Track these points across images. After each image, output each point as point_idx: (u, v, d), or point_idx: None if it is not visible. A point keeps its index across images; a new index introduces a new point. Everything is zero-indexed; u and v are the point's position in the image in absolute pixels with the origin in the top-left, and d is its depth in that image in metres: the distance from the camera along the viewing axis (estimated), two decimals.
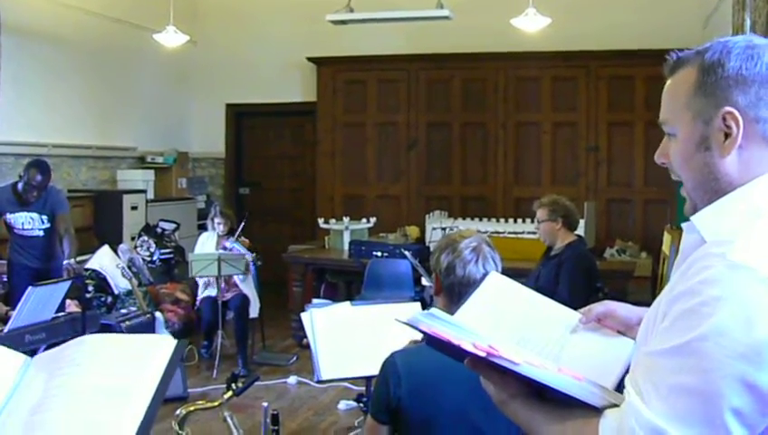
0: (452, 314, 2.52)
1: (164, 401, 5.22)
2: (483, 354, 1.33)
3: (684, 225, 1.40)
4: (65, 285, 5.38)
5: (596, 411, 1.32)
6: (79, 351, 1.77)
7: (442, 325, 1.37)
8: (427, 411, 2.48)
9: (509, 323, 1.63)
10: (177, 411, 2.85)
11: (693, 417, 1.16)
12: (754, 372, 1.14)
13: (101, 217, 8.49)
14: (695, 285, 1.20)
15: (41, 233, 6.31)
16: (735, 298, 1.16)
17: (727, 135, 1.32)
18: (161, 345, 1.75)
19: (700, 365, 1.16)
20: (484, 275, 2.53)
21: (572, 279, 5.05)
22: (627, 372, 1.45)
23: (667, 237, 7.72)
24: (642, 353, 1.29)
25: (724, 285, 1.17)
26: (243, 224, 7.02)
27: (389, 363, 2.54)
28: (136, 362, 1.73)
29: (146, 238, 8.28)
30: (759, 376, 1.14)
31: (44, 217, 6.31)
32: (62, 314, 5.49)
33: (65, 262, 6.26)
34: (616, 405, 1.30)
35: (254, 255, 6.94)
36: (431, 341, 1.43)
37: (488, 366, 1.40)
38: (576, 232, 5.47)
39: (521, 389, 1.41)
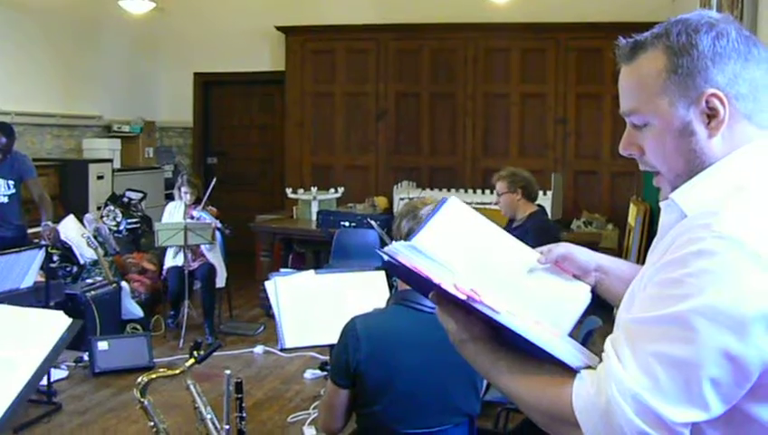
0: None
1: (130, 370, 5.21)
2: (463, 298, 1.30)
3: (662, 203, 1.37)
4: (34, 254, 5.31)
5: (567, 371, 1.29)
6: None
7: (423, 260, 1.34)
8: (386, 374, 2.50)
9: (467, 255, 1.54)
10: (139, 380, 2.85)
11: (672, 385, 1.16)
12: (738, 344, 1.14)
13: (67, 187, 8.41)
14: (682, 256, 1.19)
15: (5, 199, 6.24)
16: (723, 271, 1.15)
17: (710, 117, 1.29)
18: (54, 322, 1.73)
19: (684, 335, 1.15)
20: None
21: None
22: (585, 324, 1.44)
23: (632, 209, 7.79)
24: (625, 320, 1.27)
25: (712, 258, 1.16)
26: (209, 190, 6.96)
27: (350, 328, 2.55)
28: (26, 335, 1.70)
29: (112, 208, 8.20)
30: (741, 348, 1.15)
31: (10, 183, 6.24)
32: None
33: (43, 223, 6.24)
34: (590, 367, 1.28)
35: (223, 223, 6.91)
36: (398, 270, 1.37)
37: (453, 302, 1.37)
38: (537, 202, 5.50)
39: (484, 331, 1.39)
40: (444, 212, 1.59)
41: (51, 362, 1.67)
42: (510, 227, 5.39)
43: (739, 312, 1.14)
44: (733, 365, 1.15)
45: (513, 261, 1.60)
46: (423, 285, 1.37)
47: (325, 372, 5.40)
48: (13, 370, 1.63)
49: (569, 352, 1.31)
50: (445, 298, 1.37)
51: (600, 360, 1.27)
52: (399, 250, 1.35)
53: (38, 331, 1.71)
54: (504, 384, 1.38)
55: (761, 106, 1.31)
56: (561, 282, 1.59)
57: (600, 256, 1.64)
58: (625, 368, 1.19)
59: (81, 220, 7.49)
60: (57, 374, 5.53)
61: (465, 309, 1.36)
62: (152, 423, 2.89)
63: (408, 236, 2.55)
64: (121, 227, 8.10)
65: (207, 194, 6.95)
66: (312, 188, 8.46)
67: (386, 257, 1.41)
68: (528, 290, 1.55)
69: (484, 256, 1.57)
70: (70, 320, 1.76)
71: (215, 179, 7.13)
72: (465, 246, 1.56)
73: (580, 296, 1.57)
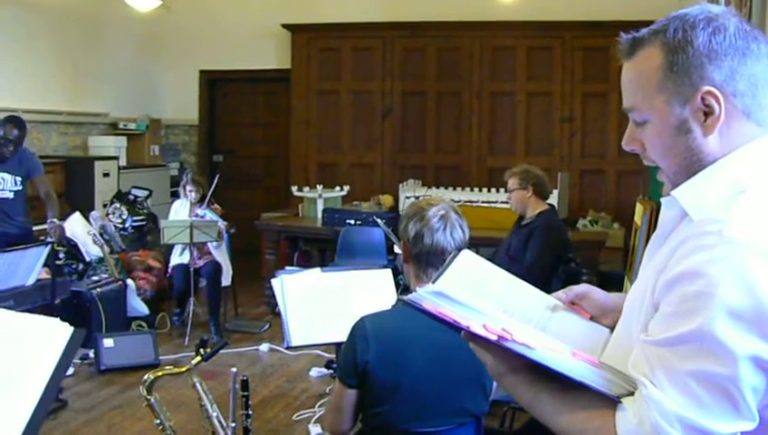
0: (421, 280, 2.53)
1: (135, 368, 5.20)
2: (494, 338, 1.29)
3: (663, 200, 1.36)
4: (39, 251, 5.31)
5: (609, 400, 1.28)
6: None
7: (448, 305, 1.33)
8: (394, 374, 2.49)
9: (491, 297, 1.56)
10: (145, 377, 2.86)
11: (715, 402, 1.15)
12: (766, 346, 1.14)
13: (73, 184, 8.41)
14: (693, 267, 1.18)
15: (10, 195, 6.23)
16: (736, 274, 1.14)
17: (707, 114, 1.28)
18: (55, 333, 1.53)
19: (714, 349, 1.14)
20: (453, 242, 2.53)
21: (540, 248, 5.06)
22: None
23: (639, 208, 7.76)
24: (645, 342, 1.24)
25: (726, 264, 1.15)
26: (213, 188, 6.97)
27: (359, 327, 2.53)
28: (24, 348, 1.50)
29: (118, 205, 8.20)
30: None
31: (18, 179, 6.24)
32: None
33: (49, 220, 6.23)
34: (631, 393, 1.26)
35: (227, 223, 6.91)
36: (426, 313, 1.37)
37: (486, 339, 1.36)
38: (548, 202, 5.48)
39: (521, 362, 1.36)
40: (459, 261, 1.64)
41: (59, 380, 1.46)
42: (519, 224, 5.37)
43: (759, 310, 1.13)
44: (763, 369, 1.15)
45: (534, 301, 1.62)
46: (452, 326, 1.36)
47: (331, 371, 5.40)
48: (14, 390, 1.43)
49: (607, 380, 1.29)
50: (477, 336, 1.35)
51: None
52: (425, 297, 1.34)
53: (37, 344, 1.50)
54: (548, 420, 1.37)
55: (759, 103, 1.30)
56: (583, 321, 1.60)
57: (617, 297, 1.63)
58: (663, 392, 1.18)
59: (86, 218, 7.49)
60: None
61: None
62: (158, 421, 2.89)
63: (414, 238, 2.55)
64: (127, 225, 8.10)
65: (211, 191, 6.96)
66: (318, 185, 8.45)
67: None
68: (555, 325, 1.56)
69: (506, 298, 1.59)
70: (71, 329, 1.54)
71: (217, 177, 7.14)
72: (485, 289, 1.59)
73: (600, 339, 1.56)
